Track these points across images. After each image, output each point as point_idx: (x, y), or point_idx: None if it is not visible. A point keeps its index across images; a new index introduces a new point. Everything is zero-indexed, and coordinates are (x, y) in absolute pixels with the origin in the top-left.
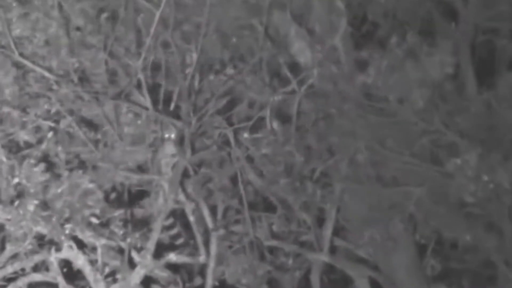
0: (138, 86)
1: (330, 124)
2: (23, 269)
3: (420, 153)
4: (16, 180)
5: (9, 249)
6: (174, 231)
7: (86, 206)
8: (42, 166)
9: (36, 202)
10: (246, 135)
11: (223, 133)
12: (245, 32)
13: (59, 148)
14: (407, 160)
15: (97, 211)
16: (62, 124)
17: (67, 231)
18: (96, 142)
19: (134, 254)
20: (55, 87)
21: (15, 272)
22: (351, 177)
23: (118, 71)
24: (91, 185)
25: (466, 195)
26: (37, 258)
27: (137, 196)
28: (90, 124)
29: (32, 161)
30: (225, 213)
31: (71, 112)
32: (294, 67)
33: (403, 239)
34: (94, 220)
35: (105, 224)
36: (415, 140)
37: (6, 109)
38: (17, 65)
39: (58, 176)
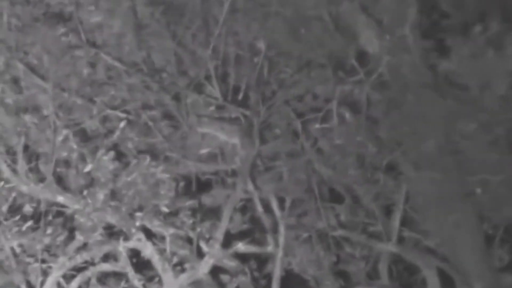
0: (207, 76)
1: (402, 112)
2: (92, 259)
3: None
4: (86, 169)
5: (78, 239)
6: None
7: (158, 196)
8: (111, 154)
9: (106, 192)
10: (317, 125)
11: (292, 123)
12: (314, 23)
13: (135, 139)
14: (484, 148)
15: (167, 201)
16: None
17: (137, 223)
18: (170, 133)
19: (202, 244)
20: (124, 78)
21: (85, 262)
22: (423, 165)
23: (187, 61)
24: (165, 175)
25: None
26: (106, 248)
27: (206, 185)
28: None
29: (103, 150)
30: (293, 203)
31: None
32: (363, 57)
33: (472, 228)
34: (164, 209)
35: (174, 214)
36: (492, 128)
37: (74, 98)
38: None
39: (127, 165)
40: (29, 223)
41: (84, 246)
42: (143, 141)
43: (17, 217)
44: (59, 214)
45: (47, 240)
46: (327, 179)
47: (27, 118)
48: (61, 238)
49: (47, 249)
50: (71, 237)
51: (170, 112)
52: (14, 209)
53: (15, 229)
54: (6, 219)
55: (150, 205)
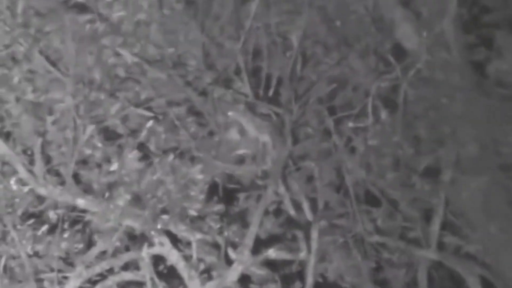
0: (237, 70)
1: (442, 112)
2: (111, 269)
3: None
4: (112, 167)
5: (98, 246)
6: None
7: (188, 198)
8: (135, 153)
9: (128, 195)
10: (351, 124)
11: (325, 121)
12: (350, 16)
13: (163, 136)
14: None
15: (197, 204)
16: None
17: (159, 226)
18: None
19: (230, 250)
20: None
21: (101, 274)
22: (466, 169)
23: (215, 55)
24: (199, 176)
25: None
26: (128, 255)
27: (234, 188)
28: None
29: (129, 149)
30: (327, 206)
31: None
32: (400, 52)
33: None
34: (192, 213)
35: (200, 218)
36: None
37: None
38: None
39: (151, 164)
40: (45, 227)
41: (103, 254)
42: (169, 140)
43: (31, 221)
44: (78, 220)
45: (64, 247)
46: (361, 181)
47: (45, 115)
48: (79, 245)
49: (63, 257)
50: (90, 245)
51: (196, 109)
52: (29, 215)
53: (29, 233)
54: (21, 224)
55: (177, 208)
